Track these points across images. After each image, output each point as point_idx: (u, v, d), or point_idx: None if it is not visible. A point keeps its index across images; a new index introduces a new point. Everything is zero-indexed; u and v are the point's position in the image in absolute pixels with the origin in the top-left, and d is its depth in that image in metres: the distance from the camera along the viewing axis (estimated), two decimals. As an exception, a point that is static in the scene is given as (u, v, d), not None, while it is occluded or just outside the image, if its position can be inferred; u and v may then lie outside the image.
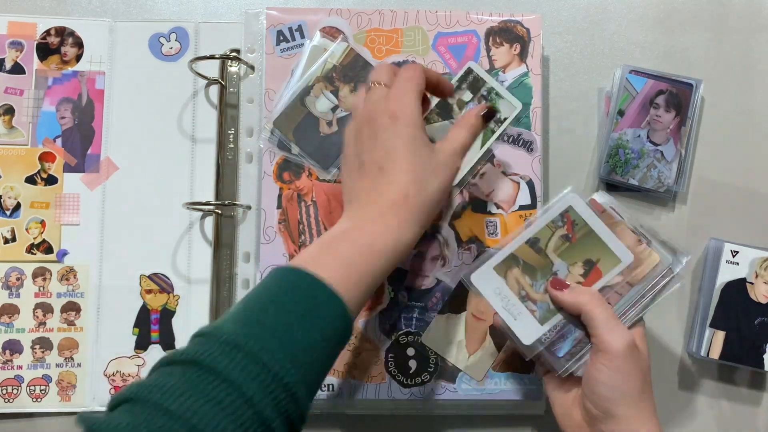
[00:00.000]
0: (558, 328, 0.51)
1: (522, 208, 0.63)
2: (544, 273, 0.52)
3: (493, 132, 0.64)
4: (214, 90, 0.67)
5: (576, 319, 0.51)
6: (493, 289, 0.53)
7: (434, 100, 0.58)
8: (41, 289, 0.65)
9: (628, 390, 0.47)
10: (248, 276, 0.64)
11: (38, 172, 0.66)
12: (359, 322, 0.62)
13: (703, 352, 0.63)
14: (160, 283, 0.65)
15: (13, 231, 0.65)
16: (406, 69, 0.51)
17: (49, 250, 0.65)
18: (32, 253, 0.65)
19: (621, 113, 0.66)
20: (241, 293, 0.64)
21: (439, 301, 0.62)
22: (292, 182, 0.63)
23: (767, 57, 0.70)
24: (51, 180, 0.66)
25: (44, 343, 0.64)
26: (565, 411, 0.52)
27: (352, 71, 0.64)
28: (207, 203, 0.64)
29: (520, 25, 0.65)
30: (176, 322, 0.65)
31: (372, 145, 0.48)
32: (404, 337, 0.62)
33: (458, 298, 0.62)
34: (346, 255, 0.44)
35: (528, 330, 0.51)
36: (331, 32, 0.65)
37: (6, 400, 0.63)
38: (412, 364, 0.62)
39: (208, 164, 0.66)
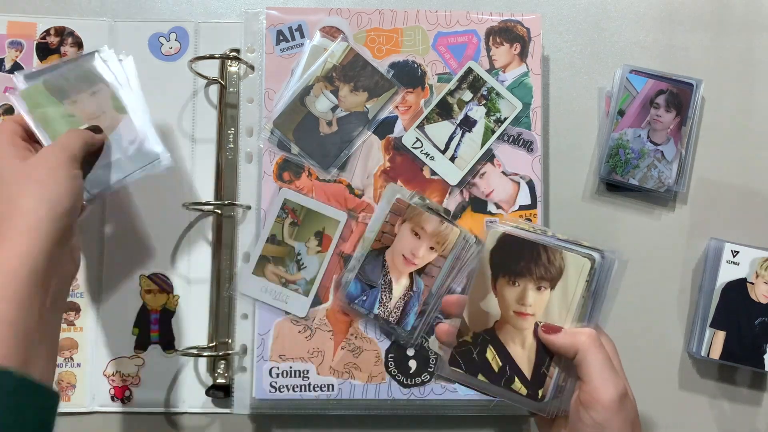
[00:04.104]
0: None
1: (522, 208, 0.63)
2: (291, 257, 0.61)
3: (493, 132, 0.64)
4: (213, 90, 0.67)
5: (567, 360, 0.46)
6: (259, 289, 0.61)
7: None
8: (41, 289, 0.64)
9: None
10: (248, 276, 0.64)
11: (38, 172, 0.66)
12: (359, 323, 0.62)
13: (703, 352, 0.63)
14: (160, 283, 0.65)
15: (12, 231, 0.65)
16: None
17: (48, 250, 0.65)
18: (32, 253, 0.65)
19: (621, 113, 0.66)
20: (240, 293, 0.64)
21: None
22: (292, 182, 0.63)
23: (767, 57, 0.70)
24: (51, 180, 0.66)
25: (44, 343, 0.64)
26: None
27: (352, 71, 0.64)
28: (207, 203, 0.64)
29: (520, 25, 0.65)
30: (176, 322, 0.65)
31: None
32: (404, 337, 0.62)
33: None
34: None
35: (299, 305, 0.61)
36: (331, 32, 0.65)
37: (6, 400, 0.63)
38: (412, 364, 0.62)
39: (208, 164, 0.66)
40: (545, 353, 0.47)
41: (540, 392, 0.46)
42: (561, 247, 0.47)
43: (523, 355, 0.47)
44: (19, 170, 0.47)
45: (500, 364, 0.47)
